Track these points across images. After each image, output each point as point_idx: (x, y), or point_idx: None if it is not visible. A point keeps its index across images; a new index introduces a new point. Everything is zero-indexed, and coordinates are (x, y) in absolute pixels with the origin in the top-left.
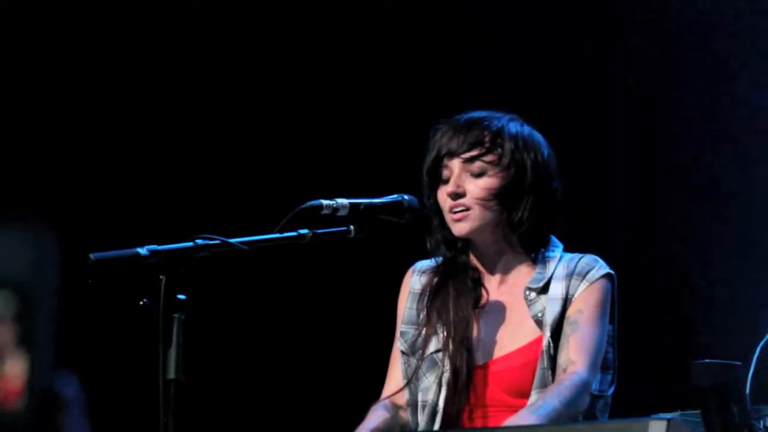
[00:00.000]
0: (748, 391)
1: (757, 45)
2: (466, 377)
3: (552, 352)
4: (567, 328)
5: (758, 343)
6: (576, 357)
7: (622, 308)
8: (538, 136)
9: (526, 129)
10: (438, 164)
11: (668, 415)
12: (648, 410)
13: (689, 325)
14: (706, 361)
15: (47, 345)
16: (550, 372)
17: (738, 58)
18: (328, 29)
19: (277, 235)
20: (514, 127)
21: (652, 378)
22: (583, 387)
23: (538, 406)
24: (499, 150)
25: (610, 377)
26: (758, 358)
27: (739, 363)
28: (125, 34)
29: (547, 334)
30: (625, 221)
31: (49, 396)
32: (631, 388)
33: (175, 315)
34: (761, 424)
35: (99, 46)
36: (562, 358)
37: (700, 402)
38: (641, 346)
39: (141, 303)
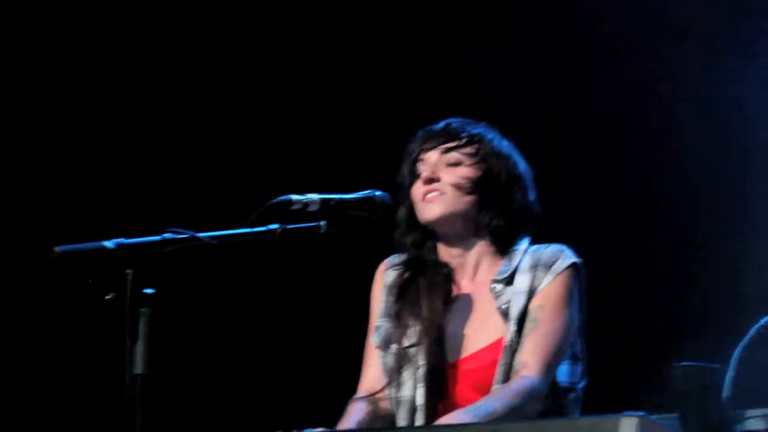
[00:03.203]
0: (728, 394)
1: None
2: (441, 375)
3: (516, 347)
4: (527, 325)
5: (737, 346)
6: (530, 359)
7: (605, 310)
8: (515, 150)
9: (504, 141)
10: (414, 163)
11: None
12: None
13: (668, 327)
14: (685, 363)
15: None
16: (511, 368)
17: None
18: (302, 26)
19: (247, 230)
20: (492, 134)
21: (630, 379)
22: (529, 394)
23: (476, 406)
24: (477, 146)
25: (580, 369)
26: (738, 360)
27: (718, 366)
28: (101, 26)
29: (512, 328)
30: (607, 217)
31: None
32: (609, 388)
33: (142, 310)
34: (740, 427)
35: (79, 44)
36: (517, 359)
37: (679, 405)
38: (619, 346)
39: (107, 297)
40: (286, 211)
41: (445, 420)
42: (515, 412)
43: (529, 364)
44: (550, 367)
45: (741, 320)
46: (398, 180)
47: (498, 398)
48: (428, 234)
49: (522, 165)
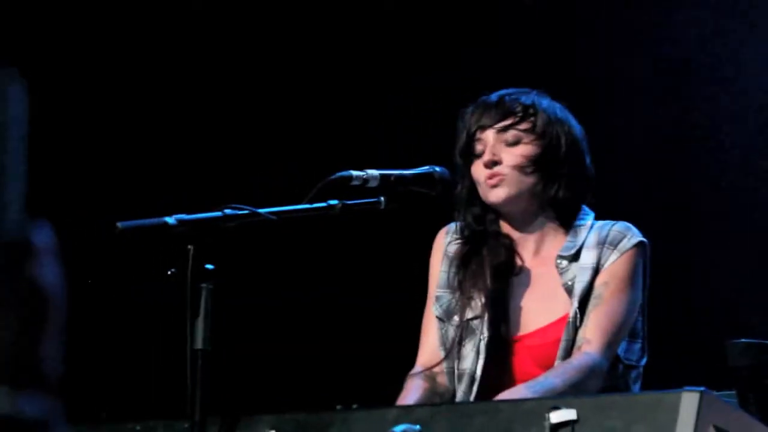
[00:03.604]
0: None
1: None
2: (504, 349)
3: (578, 323)
4: (591, 302)
5: None
6: (592, 336)
7: (663, 285)
8: (569, 113)
9: (557, 104)
10: (471, 141)
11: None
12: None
13: (726, 303)
14: (743, 340)
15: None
16: (573, 344)
17: None
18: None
19: (306, 206)
20: (546, 101)
21: (687, 356)
22: (591, 370)
23: (537, 381)
24: (533, 119)
25: (638, 346)
26: None
27: None
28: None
29: (575, 304)
30: (662, 196)
31: (20, 245)
32: (666, 364)
33: (203, 285)
34: None
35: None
36: (579, 335)
37: (736, 382)
38: (678, 323)
39: (168, 273)
40: (346, 187)
41: (505, 395)
42: (575, 389)
43: (591, 340)
44: (611, 345)
45: None
46: (454, 156)
47: (558, 374)
48: (489, 208)
49: (578, 128)
